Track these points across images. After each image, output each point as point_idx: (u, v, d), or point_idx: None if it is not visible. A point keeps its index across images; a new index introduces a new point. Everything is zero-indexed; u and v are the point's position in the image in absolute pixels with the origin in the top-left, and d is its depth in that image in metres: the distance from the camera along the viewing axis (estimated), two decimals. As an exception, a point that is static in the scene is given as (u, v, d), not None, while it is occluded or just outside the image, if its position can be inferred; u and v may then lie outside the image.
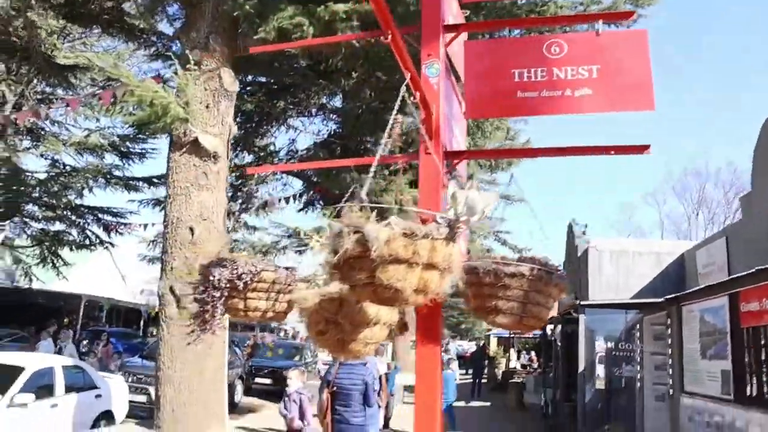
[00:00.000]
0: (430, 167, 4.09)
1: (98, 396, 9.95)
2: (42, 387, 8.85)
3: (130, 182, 24.62)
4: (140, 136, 23.98)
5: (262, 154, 18.86)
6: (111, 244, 25.48)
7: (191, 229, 7.78)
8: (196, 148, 7.92)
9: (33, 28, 18.02)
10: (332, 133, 18.40)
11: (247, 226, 39.82)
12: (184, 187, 7.92)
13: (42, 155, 23.63)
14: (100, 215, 24.69)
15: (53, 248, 24.44)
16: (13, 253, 24.47)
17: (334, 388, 6.41)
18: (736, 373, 7.29)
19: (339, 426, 6.35)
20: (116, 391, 10.56)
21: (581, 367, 12.66)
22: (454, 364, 17.26)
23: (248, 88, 16.52)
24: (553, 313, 4.48)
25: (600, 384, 12.56)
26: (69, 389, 9.32)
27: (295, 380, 7.87)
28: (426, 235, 2.69)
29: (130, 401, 11.27)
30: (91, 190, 23.47)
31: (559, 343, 21.61)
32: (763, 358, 6.90)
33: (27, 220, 22.94)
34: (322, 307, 3.63)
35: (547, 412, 17.15)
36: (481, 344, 45.67)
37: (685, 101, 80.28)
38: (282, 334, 52.93)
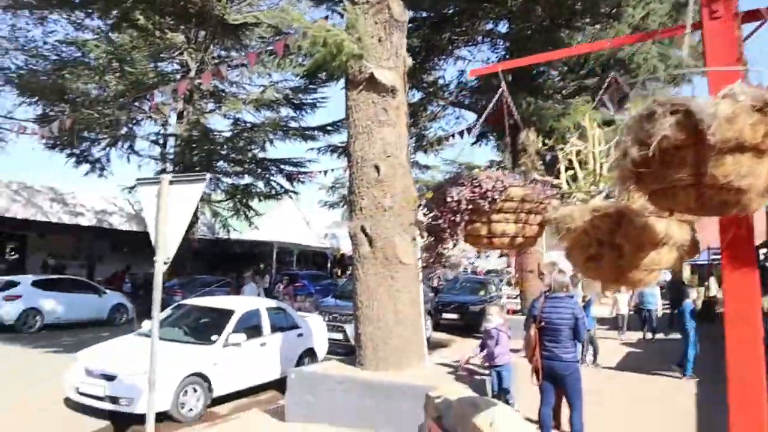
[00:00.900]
0: (721, 37, 3.13)
1: (300, 335, 10.47)
2: (251, 327, 9.43)
3: (306, 132, 25.67)
4: (311, 86, 24.85)
5: (431, 89, 18.53)
6: (294, 192, 26.91)
7: (376, 167, 7.65)
8: (373, 84, 7.72)
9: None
10: (501, 59, 17.51)
11: (418, 165, 40.23)
12: (365, 125, 7.78)
13: (225, 116, 25.18)
14: (282, 166, 26.09)
15: (244, 200, 26.27)
16: (211, 207, 26.66)
17: (542, 324, 6.04)
18: None
19: (549, 363, 5.99)
20: (316, 329, 11.06)
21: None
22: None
23: (412, 24, 16.07)
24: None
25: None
26: (274, 329, 9.88)
27: (495, 316, 7.62)
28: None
29: (329, 339, 11.79)
30: (272, 142, 24.76)
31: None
32: None
33: (219, 176, 24.82)
34: (593, 227, 2.96)
35: None
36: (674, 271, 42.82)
37: None
38: (461, 270, 53.47)
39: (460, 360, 7.39)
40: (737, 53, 3.12)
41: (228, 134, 24.32)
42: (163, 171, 24.79)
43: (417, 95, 18.73)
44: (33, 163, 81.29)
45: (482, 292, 20.75)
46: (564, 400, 6.38)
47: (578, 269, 3.45)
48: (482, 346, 7.60)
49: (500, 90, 4.35)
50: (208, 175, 4.86)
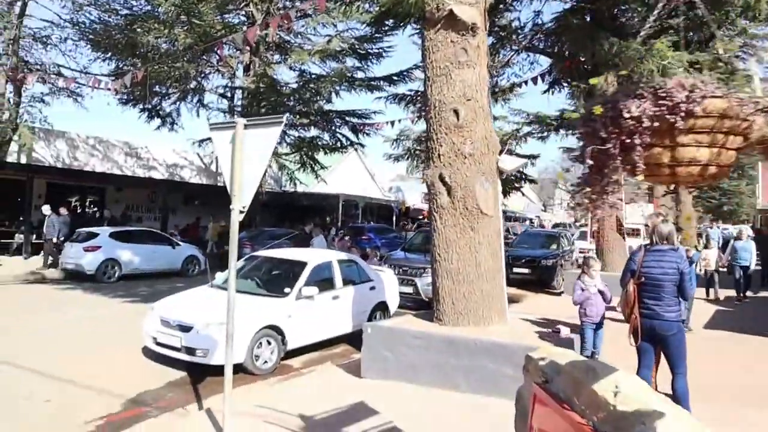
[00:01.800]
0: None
1: (372, 288, 10.24)
2: (323, 280, 9.25)
3: (372, 83, 25.20)
4: (377, 35, 24.23)
5: (503, 33, 17.63)
6: (360, 144, 26.63)
7: (455, 112, 7.17)
8: (452, 21, 7.18)
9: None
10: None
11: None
12: (443, 66, 7.28)
13: (291, 67, 24.94)
14: (347, 118, 25.82)
15: (310, 153, 26.21)
16: (278, 160, 26.72)
17: (642, 279, 5.52)
18: None
19: (649, 322, 5.50)
20: (388, 283, 10.81)
21: None
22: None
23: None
24: None
25: None
26: (346, 282, 9.67)
27: (598, 271, 7.19)
28: None
29: (399, 292, 11.53)
30: (338, 94, 24.40)
31: None
32: None
33: (285, 128, 24.75)
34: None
35: None
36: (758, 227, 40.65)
37: None
38: (528, 223, 52.42)
39: (558, 329, 7.00)
40: None
41: (294, 86, 24.09)
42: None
43: (489, 40, 17.89)
44: (107, 117, 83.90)
45: (554, 246, 20.09)
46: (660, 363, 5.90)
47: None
48: (579, 302, 7.16)
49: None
50: (285, 117, 4.51)
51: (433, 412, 6.00)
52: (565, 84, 20.82)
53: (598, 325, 7.09)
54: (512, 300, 15.78)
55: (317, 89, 23.46)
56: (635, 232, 21.43)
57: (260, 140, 4.77)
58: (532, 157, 25.03)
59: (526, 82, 18.58)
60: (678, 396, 5.38)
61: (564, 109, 30.07)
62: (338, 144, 26.77)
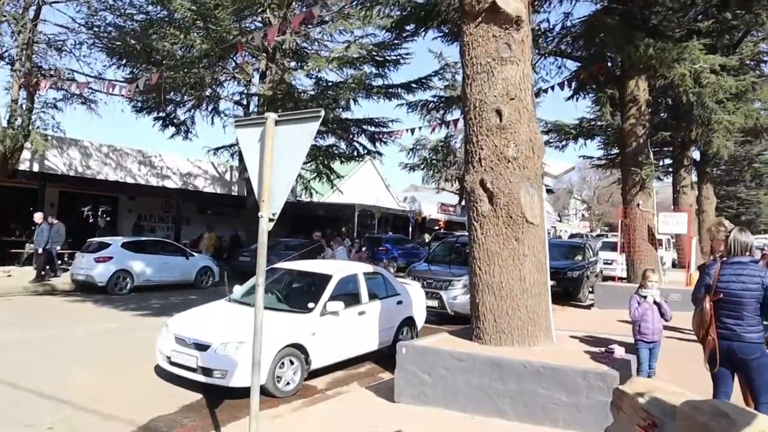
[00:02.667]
0: None
1: (399, 302, 9.62)
2: (348, 294, 8.64)
3: (390, 90, 24.68)
4: (395, 41, 23.71)
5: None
6: (378, 153, 26.07)
7: (498, 112, 6.56)
8: (494, 14, 6.59)
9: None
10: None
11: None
12: (484, 63, 6.68)
13: (308, 75, 24.47)
14: (364, 126, 25.29)
15: (326, 162, 25.69)
16: (293, 169, 26.16)
17: (720, 295, 4.86)
18: None
19: (727, 344, 4.83)
20: (415, 297, 10.19)
21: None
22: None
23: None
24: None
25: None
26: (372, 296, 9.06)
27: (655, 282, 6.52)
28: None
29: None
30: (356, 101, 23.87)
31: None
32: None
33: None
34: None
35: None
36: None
37: None
38: (552, 232, 51.54)
39: (612, 349, 6.31)
40: None
41: (312, 93, 23.59)
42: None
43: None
44: (121, 126, 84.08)
45: (579, 257, 19.39)
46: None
47: None
48: (636, 319, 6.49)
49: None
50: (323, 111, 3.91)
51: (480, 444, 5.36)
52: (590, 90, 20.18)
53: (655, 343, 6.41)
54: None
55: (335, 96, 22.94)
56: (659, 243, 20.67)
57: (294, 138, 4.18)
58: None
59: (552, 88, 17.91)
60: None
61: (583, 118, 29.56)
62: (355, 153, 26.25)
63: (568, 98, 20.74)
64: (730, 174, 55.12)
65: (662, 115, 25.67)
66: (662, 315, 6.45)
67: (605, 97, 20.80)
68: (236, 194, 27.79)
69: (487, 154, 6.65)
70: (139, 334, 10.09)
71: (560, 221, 75.74)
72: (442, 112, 20.64)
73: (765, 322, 4.98)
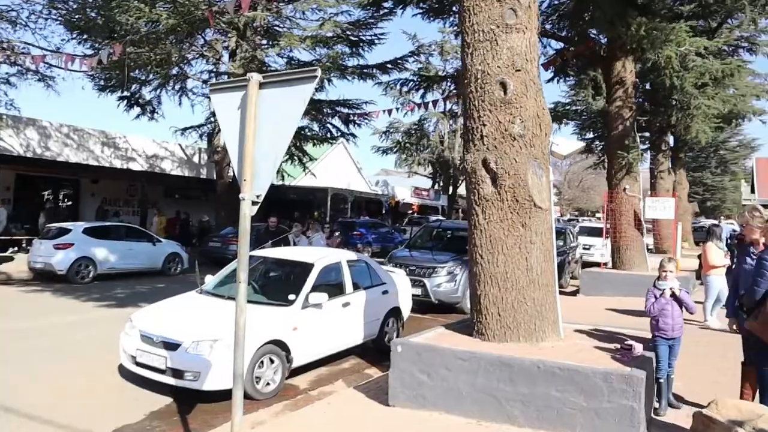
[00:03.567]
0: None
1: (385, 292, 8.97)
2: (332, 285, 7.97)
3: (365, 70, 23.87)
4: (371, 20, 22.92)
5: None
6: (352, 135, 25.31)
7: (502, 85, 5.90)
8: (499, -25, 5.91)
9: None
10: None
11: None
12: (487, 31, 6.00)
13: (280, 54, 23.57)
14: (337, 108, 24.50)
15: (299, 144, 24.85)
16: (265, 151, 25.27)
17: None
18: None
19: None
20: (401, 285, 9.56)
21: None
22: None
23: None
24: None
25: None
26: (356, 286, 8.39)
27: (673, 273, 5.91)
28: None
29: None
30: (330, 81, 23.05)
31: None
32: None
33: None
34: None
35: None
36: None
37: None
38: (558, 215, 51.16)
39: (630, 345, 5.71)
40: None
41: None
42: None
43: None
44: (82, 106, 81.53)
45: (559, 242, 18.94)
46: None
47: None
48: (653, 314, 5.90)
49: None
50: (318, 71, 3.18)
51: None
52: (572, 73, 19.65)
53: (676, 340, 5.86)
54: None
55: (307, 77, 22.02)
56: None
57: (282, 104, 3.45)
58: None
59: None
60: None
61: (558, 102, 29.11)
62: (328, 135, 25.46)
63: (549, 80, 20.21)
64: (696, 160, 55.69)
65: (640, 99, 25.40)
66: (683, 307, 5.88)
67: (588, 80, 20.33)
68: (205, 177, 26.75)
69: (490, 130, 5.99)
70: (102, 327, 9.28)
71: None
72: (421, 91, 19.93)
73: None
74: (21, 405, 5.86)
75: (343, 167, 38.42)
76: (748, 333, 5.21)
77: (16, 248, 17.75)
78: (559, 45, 17.35)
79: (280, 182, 27.09)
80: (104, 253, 14.86)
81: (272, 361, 6.57)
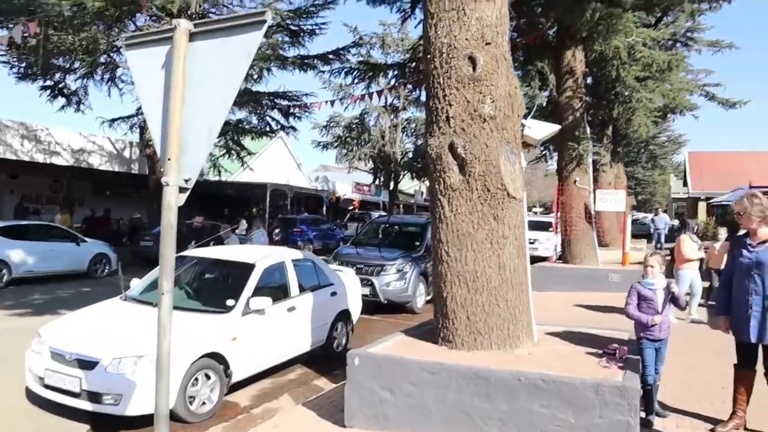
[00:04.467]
0: None
1: (334, 294, 8.20)
2: (275, 287, 7.16)
3: (306, 61, 22.97)
4: (311, 8, 22.03)
5: None
6: (293, 128, 24.35)
7: (471, 59, 5.23)
8: (466, -64, 5.22)
9: None
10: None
11: (416, 103, 37.54)
12: (453, -1, 5.32)
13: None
14: (276, 100, 23.51)
15: (236, 137, 23.74)
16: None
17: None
18: None
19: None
20: (350, 286, 8.79)
21: None
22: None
23: None
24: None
25: None
26: (303, 288, 7.58)
27: (658, 268, 5.33)
28: None
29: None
30: (269, 71, 22.05)
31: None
32: None
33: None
34: None
35: None
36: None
37: None
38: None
39: (615, 349, 5.11)
40: None
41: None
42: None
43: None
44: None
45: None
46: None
47: None
48: (634, 317, 5.31)
49: None
50: (269, 16, 2.38)
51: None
52: (517, 64, 19.28)
53: (663, 342, 5.31)
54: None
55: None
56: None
57: (221, 59, 2.62)
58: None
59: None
60: None
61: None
62: (267, 128, 24.41)
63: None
64: (629, 155, 57.06)
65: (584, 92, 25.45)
66: (674, 303, 5.33)
67: (535, 71, 19.99)
68: (137, 173, 25.25)
69: (457, 111, 5.30)
70: (10, 340, 8.16)
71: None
72: (363, 84, 19.17)
73: None
74: None
75: (282, 162, 37.28)
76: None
77: None
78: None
79: (217, 178, 25.89)
80: (21, 255, 13.48)
81: (208, 378, 5.71)
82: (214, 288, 7.19)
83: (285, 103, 23.75)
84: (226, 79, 2.67)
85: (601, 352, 5.18)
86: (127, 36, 3.07)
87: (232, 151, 24.13)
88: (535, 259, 18.56)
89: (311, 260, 8.30)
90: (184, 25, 2.73)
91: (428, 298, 12.31)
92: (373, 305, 11.24)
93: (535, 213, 46.14)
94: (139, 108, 22.00)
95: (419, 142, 39.05)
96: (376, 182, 41.83)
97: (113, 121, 22.59)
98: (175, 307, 5.67)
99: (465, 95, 5.28)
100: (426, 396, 4.76)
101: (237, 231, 14.99)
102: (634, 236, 28.95)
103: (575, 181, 14.67)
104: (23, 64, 20.25)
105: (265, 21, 2.60)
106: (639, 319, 5.20)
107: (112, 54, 20.98)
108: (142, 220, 23.22)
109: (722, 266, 10.17)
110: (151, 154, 22.00)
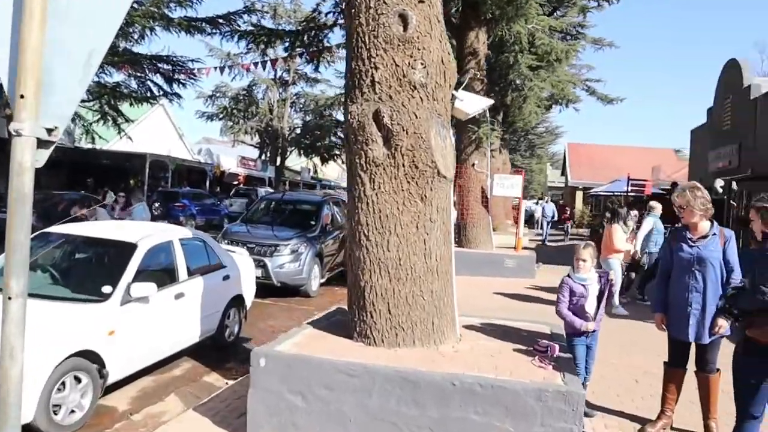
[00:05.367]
0: None
1: (226, 277, 7.33)
2: (160, 271, 6.22)
3: (193, 23, 21.34)
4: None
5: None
6: (177, 95, 22.63)
7: (402, 18, 4.57)
8: None
9: None
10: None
11: (306, 78, 36.40)
12: (382, -56, 4.62)
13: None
14: (159, 64, 21.73)
15: (112, 102, 21.76)
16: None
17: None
18: None
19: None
20: (243, 269, 7.93)
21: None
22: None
23: None
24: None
25: None
26: (192, 272, 6.67)
27: (590, 261, 4.93)
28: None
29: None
30: (152, 31, 20.26)
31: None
32: None
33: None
34: None
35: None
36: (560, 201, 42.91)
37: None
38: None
39: (546, 347, 4.66)
40: None
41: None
42: None
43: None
44: None
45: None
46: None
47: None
48: (564, 316, 4.91)
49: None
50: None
51: None
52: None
53: (594, 336, 4.96)
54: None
55: (125, 23, 19.06)
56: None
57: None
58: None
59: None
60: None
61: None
62: (148, 94, 22.53)
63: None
64: (509, 143, 59.01)
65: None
66: (602, 298, 4.97)
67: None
68: (-7, 136, 22.54)
69: (384, 75, 4.63)
70: None
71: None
72: (262, 48, 18.00)
73: None
74: None
75: (163, 132, 34.99)
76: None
77: None
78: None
79: (90, 145, 23.72)
80: None
81: (78, 381, 4.74)
82: (86, 272, 6.11)
83: (168, 67, 22.00)
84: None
85: (531, 349, 4.74)
86: None
87: (108, 117, 22.09)
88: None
89: (201, 239, 7.37)
90: None
91: (323, 281, 11.67)
92: (265, 288, 10.42)
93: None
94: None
95: (308, 118, 38.03)
96: (263, 157, 40.39)
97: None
98: (37, 295, 4.68)
99: (393, 58, 4.61)
100: (344, 402, 4.11)
101: (106, 204, 13.47)
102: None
103: (473, 165, 14.48)
104: None
105: None
106: (573, 322, 4.80)
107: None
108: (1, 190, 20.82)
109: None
110: (10, 115, 19.68)
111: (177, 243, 6.59)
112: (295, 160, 43.14)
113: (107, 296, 5.27)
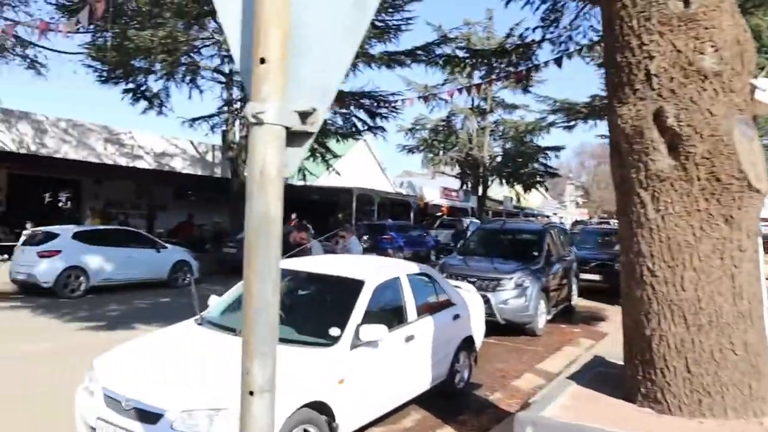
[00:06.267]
0: None
1: (456, 317, 6.60)
2: (390, 311, 5.63)
3: (393, 57, 21.60)
4: (397, 2, 20.66)
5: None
6: (381, 128, 22.99)
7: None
8: None
9: None
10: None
11: (504, 105, 35.51)
12: None
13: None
14: (361, 100, 22.24)
15: (321, 139, 22.61)
16: (284, 148, 23.01)
17: None
18: None
19: None
20: (472, 306, 7.17)
21: None
22: None
23: None
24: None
25: None
26: (421, 311, 6.01)
27: None
28: None
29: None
30: (355, 68, 20.77)
31: None
32: None
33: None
34: None
35: None
36: None
37: None
38: (587, 218, 48.20)
39: None
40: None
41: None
42: (231, 101, 21.28)
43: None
44: (83, 100, 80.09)
45: (618, 246, 16.44)
46: None
47: None
48: None
49: None
50: None
51: None
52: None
53: None
54: (595, 317, 12.21)
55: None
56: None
57: None
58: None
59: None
60: None
61: (596, 95, 26.46)
62: (353, 129, 23.15)
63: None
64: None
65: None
66: None
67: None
68: (219, 176, 24.53)
69: (662, 65, 3.60)
70: (78, 359, 6.98)
71: (561, 207, 73.24)
72: (468, 70, 17.49)
73: None
74: None
75: (366, 167, 36.00)
76: None
77: (5, 256, 15.60)
78: None
79: (302, 182, 24.86)
80: (98, 262, 12.62)
81: (307, 435, 4.22)
82: (313, 311, 5.69)
83: (371, 102, 22.46)
84: None
85: None
86: None
87: (317, 154, 22.99)
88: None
89: (428, 274, 6.72)
90: None
91: (549, 317, 10.56)
92: (490, 326, 9.57)
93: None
94: (220, 107, 21.21)
95: (508, 145, 36.98)
96: (464, 188, 39.99)
97: (194, 120, 21.88)
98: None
99: (673, 42, 3.57)
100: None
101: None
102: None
103: None
104: (105, 68, 19.83)
105: None
106: None
107: (192, 54, 20.31)
108: (225, 226, 22.44)
109: None
110: (234, 157, 21.22)
111: (404, 279, 5.98)
112: (497, 189, 42.24)
113: (335, 339, 4.74)
